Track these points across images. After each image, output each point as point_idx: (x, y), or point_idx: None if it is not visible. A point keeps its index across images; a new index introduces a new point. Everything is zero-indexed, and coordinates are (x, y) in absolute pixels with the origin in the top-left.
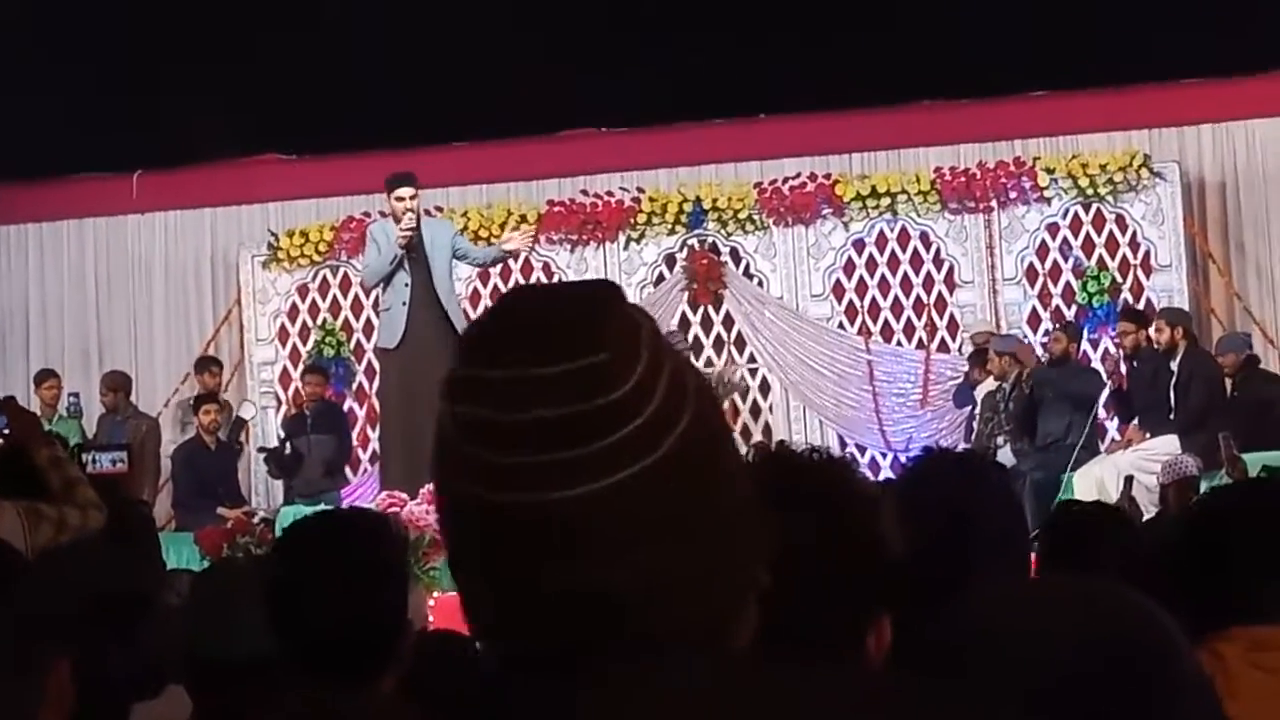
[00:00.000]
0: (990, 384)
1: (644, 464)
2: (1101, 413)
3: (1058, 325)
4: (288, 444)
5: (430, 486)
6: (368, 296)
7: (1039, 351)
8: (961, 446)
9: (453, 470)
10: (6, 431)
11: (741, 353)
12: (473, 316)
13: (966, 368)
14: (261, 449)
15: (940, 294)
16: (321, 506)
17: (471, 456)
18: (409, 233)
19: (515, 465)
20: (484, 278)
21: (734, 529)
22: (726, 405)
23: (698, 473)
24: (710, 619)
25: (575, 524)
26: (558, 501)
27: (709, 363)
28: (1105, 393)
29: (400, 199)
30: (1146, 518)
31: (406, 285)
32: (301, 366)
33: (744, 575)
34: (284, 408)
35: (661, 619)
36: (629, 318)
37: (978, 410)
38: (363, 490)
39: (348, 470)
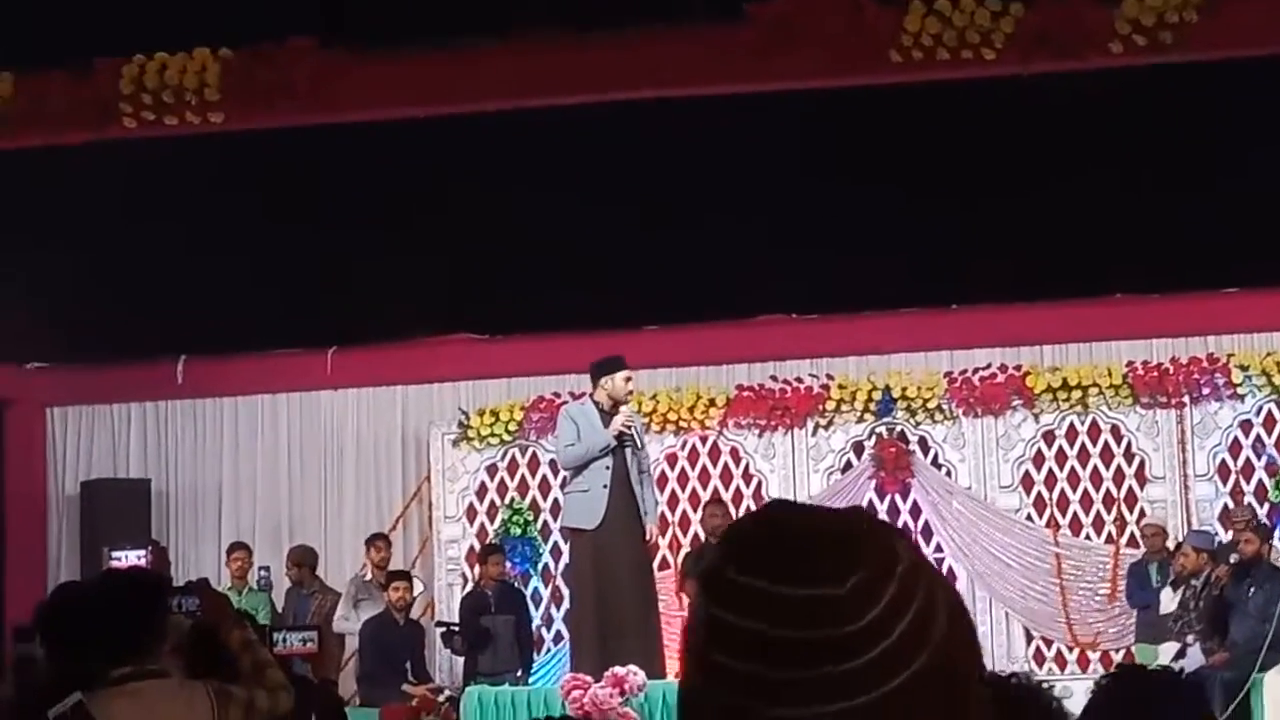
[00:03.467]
0: (1168, 588)
1: (877, 693)
2: None
3: (1248, 524)
4: (461, 625)
5: (623, 672)
6: (555, 475)
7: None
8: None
9: (711, 677)
10: (198, 613)
11: (928, 542)
12: (659, 500)
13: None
14: (439, 623)
15: (1130, 488)
16: (506, 687)
17: (723, 664)
18: (630, 425)
19: (773, 678)
20: (671, 460)
21: None
22: None
23: (932, 710)
24: None
25: None
26: (816, 717)
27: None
28: None
29: (629, 379)
30: None
31: (608, 468)
32: (482, 546)
33: None
34: (469, 585)
35: None
36: (885, 552)
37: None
38: (547, 670)
39: (532, 649)
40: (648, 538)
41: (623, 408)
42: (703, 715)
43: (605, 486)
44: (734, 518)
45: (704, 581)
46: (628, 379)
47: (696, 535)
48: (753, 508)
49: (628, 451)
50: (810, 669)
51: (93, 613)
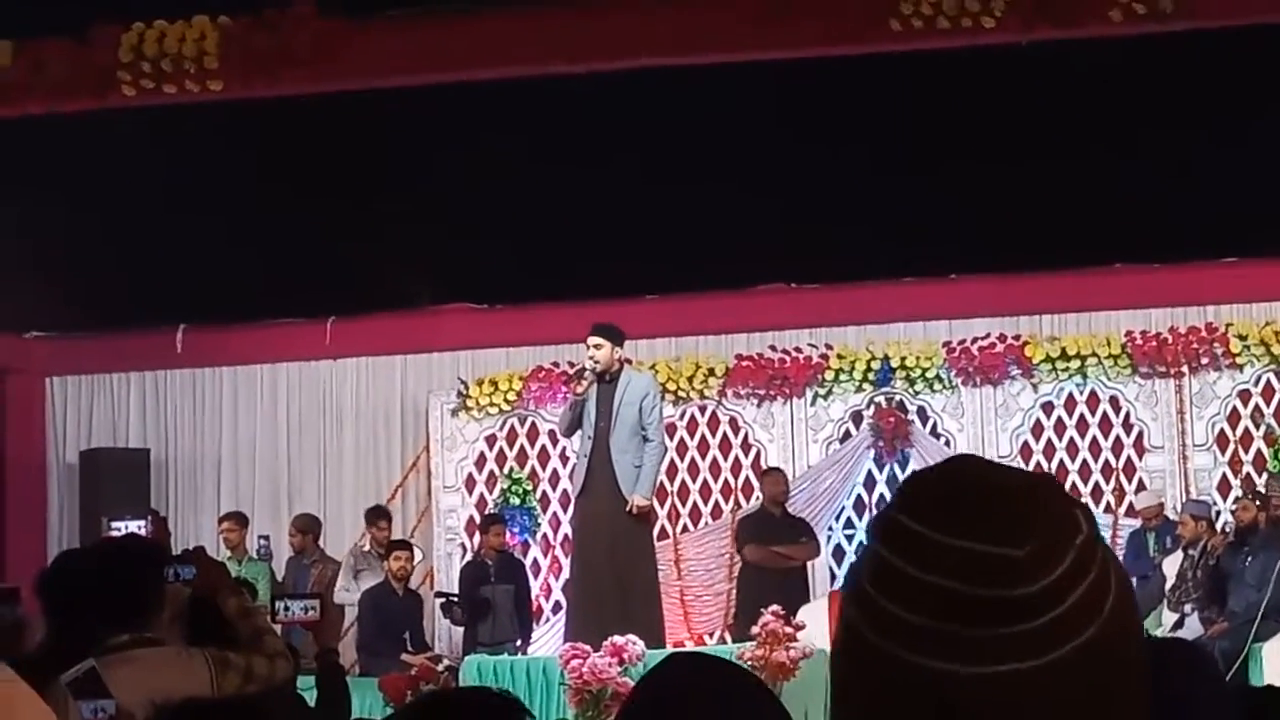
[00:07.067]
0: (1177, 554)
1: (1041, 659)
2: None
3: (1247, 493)
4: (460, 595)
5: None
6: (554, 445)
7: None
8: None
9: (874, 623)
10: (194, 581)
11: None
12: (660, 467)
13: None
14: (439, 593)
15: (1129, 458)
16: (505, 656)
17: (893, 613)
18: (584, 378)
19: (942, 632)
20: (670, 430)
21: None
22: None
23: (1089, 688)
24: None
25: (969, 701)
26: (953, 675)
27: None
28: None
29: (587, 346)
30: None
31: (590, 438)
32: (481, 517)
33: None
34: (467, 555)
35: None
36: (1066, 520)
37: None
38: (546, 640)
39: (532, 619)
40: (629, 509)
41: (587, 364)
42: (859, 660)
43: (585, 456)
44: (788, 484)
45: (879, 527)
46: (589, 347)
47: (696, 506)
48: (751, 478)
49: (617, 419)
50: (979, 627)
51: (91, 580)
